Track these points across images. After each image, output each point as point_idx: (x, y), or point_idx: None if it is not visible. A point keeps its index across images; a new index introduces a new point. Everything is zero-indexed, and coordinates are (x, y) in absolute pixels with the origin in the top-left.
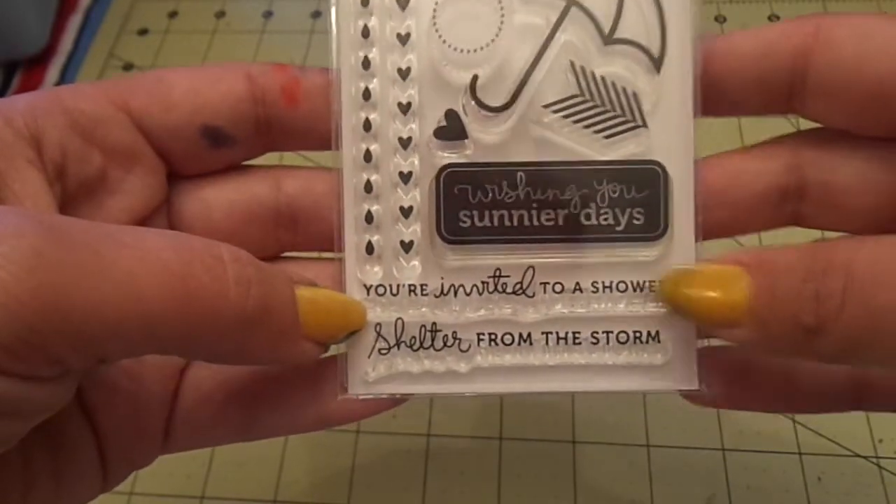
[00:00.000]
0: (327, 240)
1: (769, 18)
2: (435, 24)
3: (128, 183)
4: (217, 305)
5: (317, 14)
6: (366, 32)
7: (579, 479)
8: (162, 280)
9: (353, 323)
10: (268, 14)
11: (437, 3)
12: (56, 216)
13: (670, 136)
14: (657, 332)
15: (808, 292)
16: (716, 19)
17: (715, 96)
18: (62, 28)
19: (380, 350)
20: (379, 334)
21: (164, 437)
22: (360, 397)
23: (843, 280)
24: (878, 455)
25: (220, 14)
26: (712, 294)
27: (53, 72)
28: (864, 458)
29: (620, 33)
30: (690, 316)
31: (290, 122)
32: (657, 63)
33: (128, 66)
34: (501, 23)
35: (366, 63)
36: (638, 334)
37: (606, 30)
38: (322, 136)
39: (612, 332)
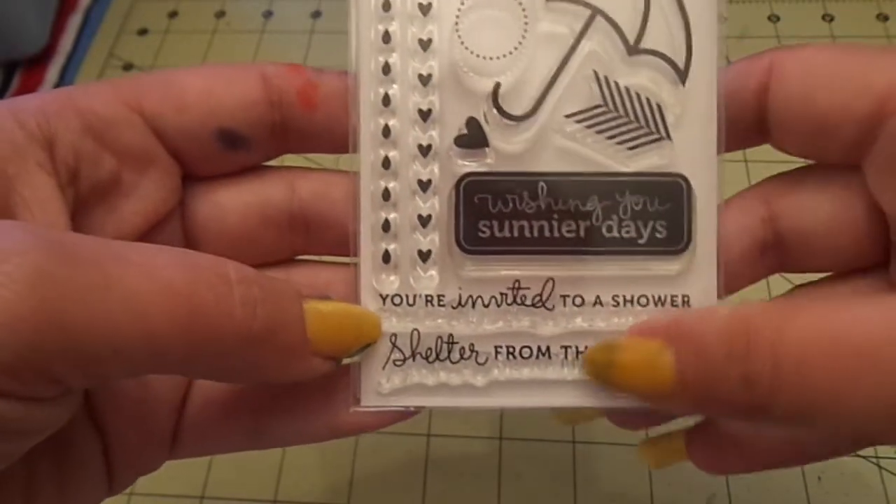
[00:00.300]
0: (342, 245)
1: (769, 19)
2: (458, 29)
3: (141, 186)
4: (222, 325)
5: (317, 14)
6: (387, 37)
7: (579, 479)
8: (166, 299)
9: (366, 337)
10: (268, 14)
11: (460, 9)
12: (62, 232)
13: (694, 149)
14: None
15: (737, 375)
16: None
17: None
18: (62, 28)
19: (395, 361)
20: (394, 345)
21: (172, 443)
22: (374, 410)
23: (770, 364)
24: (878, 455)
25: (220, 14)
26: (638, 374)
27: (53, 72)
28: (864, 458)
29: (645, 44)
30: (621, 392)
31: (307, 126)
32: (682, 75)
33: (128, 66)
34: (525, 30)
35: (386, 68)
36: None
37: (631, 40)
38: (339, 141)
39: None
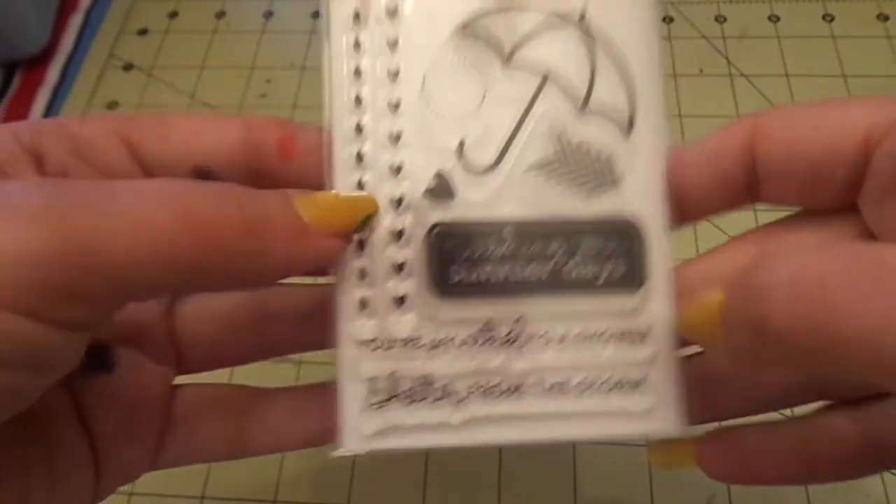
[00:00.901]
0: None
1: (769, 19)
2: (424, 91)
3: None
4: (219, 226)
5: (317, 14)
6: (358, 100)
7: (579, 480)
8: (165, 210)
9: (363, 210)
10: (268, 14)
11: (425, 75)
12: (57, 178)
13: (644, 194)
14: (642, 379)
15: (753, 283)
16: (716, 19)
17: (685, 204)
18: (62, 28)
19: (373, 405)
20: (372, 389)
21: (157, 449)
22: (354, 453)
23: (787, 281)
24: None
25: (221, 14)
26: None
27: (54, 71)
28: None
29: (593, 102)
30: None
31: (283, 176)
32: (628, 128)
33: (128, 66)
34: (485, 92)
35: (358, 128)
36: (623, 381)
37: (581, 99)
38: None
39: (598, 379)
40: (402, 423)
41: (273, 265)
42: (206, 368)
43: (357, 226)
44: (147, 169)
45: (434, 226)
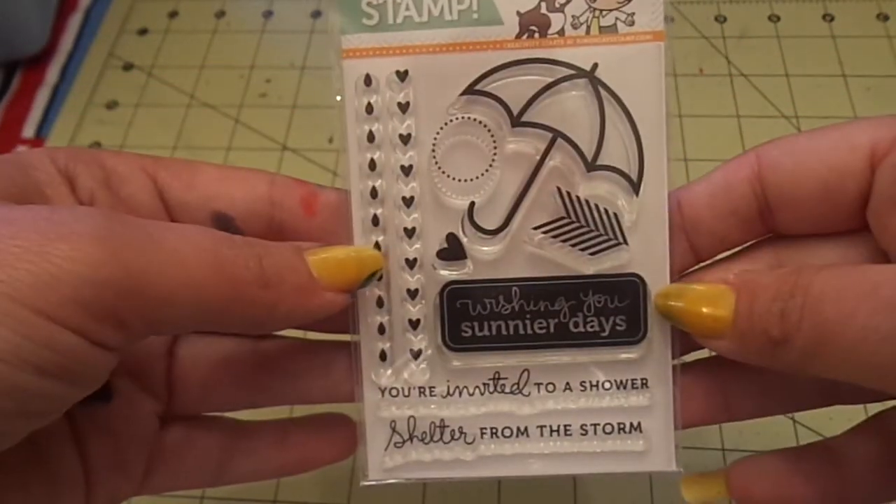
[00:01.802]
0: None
1: (769, 19)
2: (434, 155)
3: None
4: (242, 275)
5: (317, 14)
6: (373, 165)
7: (579, 480)
8: (200, 255)
9: (368, 268)
10: (268, 14)
11: (436, 138)
12: (108, 210)
13: (648, 251)
14: (639, 423)
15: (776, 310)
16: (716, 19)
17: (700, 240)
18: (62, 28)
19: (395, 444)
20: (394, 430)
21: (144, 476)
22: (379, 482)
23: (802, 299)
24: None
25: (220, 14)
26: (703, 309)
27: (53, 71)
28: None
29: (602, 160)
30: (682, 326)
31: (304, 229)
32: (636, 186)
33: (128, 66)
34: (494, 152)
35: (374, 192)
36: (622, 425)
37: (590, 157)
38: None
39: (598, 423)
40: (421, 460)
41: (283, 314)
42: (196, 411)
43: (363, 282)
44: (169, 207)
45: (446, 285)
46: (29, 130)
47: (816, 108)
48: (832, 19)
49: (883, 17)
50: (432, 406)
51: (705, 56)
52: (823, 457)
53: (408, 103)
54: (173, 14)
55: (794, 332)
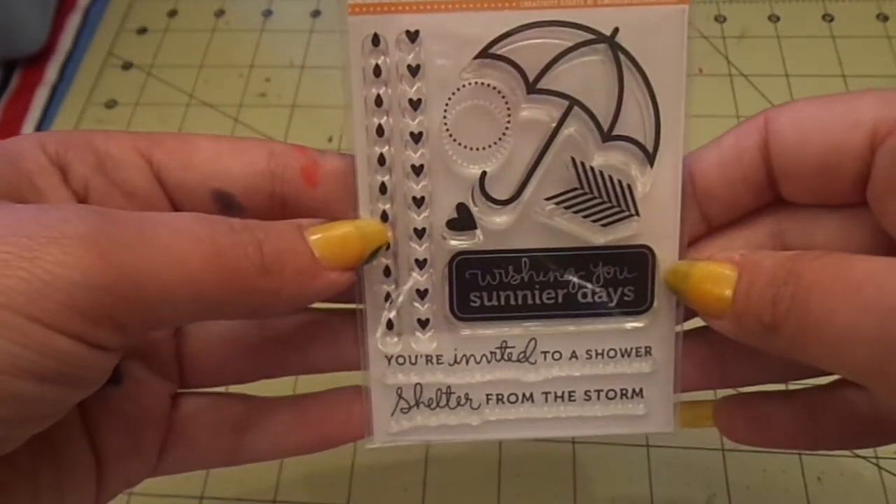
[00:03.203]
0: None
1: (769, 19)
2: (446, 122)
3: None
4: (241, 264)
5: (316, 13)
6: (380, 131)
7: (579, 479)
8: (196, 247)
9: (372, 243)
10: (267, 13)
11: (447, 103)
12: (98, 206)
13: (659, 223)
14: (640, 389)
15: (769, 296)
16: (716, 19)
17: (713, 207)
18: (61, 27)
19: (401, 410)
20: (400, 397)
21: (158, 457)
22: (385, 445)
23: (793, 287)
24: (878, 455)
25: (220, 13)
26: (708, 288)
27: (52, 70)
28: (864, 458)
29: (619, 130)
30: (688, 303)
31: (306, 201)
32: (651, 157)
33: (127, 65)
34: (508, 120)
35: (381, 159)
36: (624, 391)
37: (606, 127)
38: (336, 218)
39: (602, 389)
40: (427, 424)
41: (285, 301)
42: (208, 385)
43: (367, 258)
44: (167, 189)
45: (455, 255)
46: (28, 129)
47: None
48: (832, 19)
49: (883, 18)
50: (439, 373)
51: (705, 56)
52: (808, 402)
53: (418, 66)
54: (172, 13)
55: (782, 320)
